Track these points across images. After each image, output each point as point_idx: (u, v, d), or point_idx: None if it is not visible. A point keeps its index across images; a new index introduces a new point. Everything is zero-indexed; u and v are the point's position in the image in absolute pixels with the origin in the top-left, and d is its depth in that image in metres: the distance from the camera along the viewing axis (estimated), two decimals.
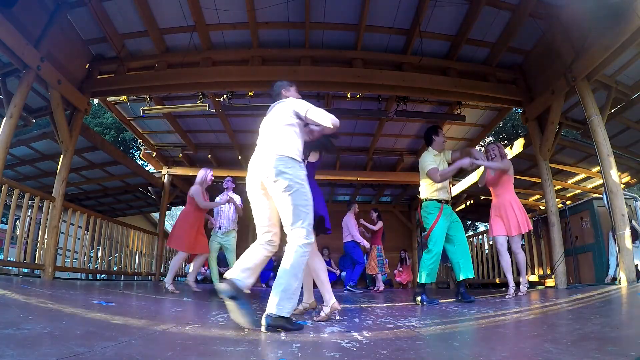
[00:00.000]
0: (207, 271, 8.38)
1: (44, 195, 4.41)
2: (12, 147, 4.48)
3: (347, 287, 6.39)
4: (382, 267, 6.64)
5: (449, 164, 3.58)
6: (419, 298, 3.31)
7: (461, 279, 3.43)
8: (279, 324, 1.75)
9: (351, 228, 6.42)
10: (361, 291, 6.26)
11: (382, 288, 6.57)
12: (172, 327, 1.74)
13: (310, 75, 4.94)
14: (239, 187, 4.77)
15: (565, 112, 4.95)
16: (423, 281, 3.35)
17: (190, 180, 8.79)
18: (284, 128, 2.11)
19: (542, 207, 6.69)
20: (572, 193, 7.78)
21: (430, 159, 3.47)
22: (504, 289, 5.12)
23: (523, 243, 5.72)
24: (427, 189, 3.52)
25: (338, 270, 8.73)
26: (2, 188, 3.69)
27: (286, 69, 4.92)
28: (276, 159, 1.99)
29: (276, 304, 1.78)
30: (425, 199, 3.52)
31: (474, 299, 3.34)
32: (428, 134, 3.65)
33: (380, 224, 6.75)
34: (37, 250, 4.49)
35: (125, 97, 5.75)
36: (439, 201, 3.44)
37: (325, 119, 2.08)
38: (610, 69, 4.11)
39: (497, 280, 6.17)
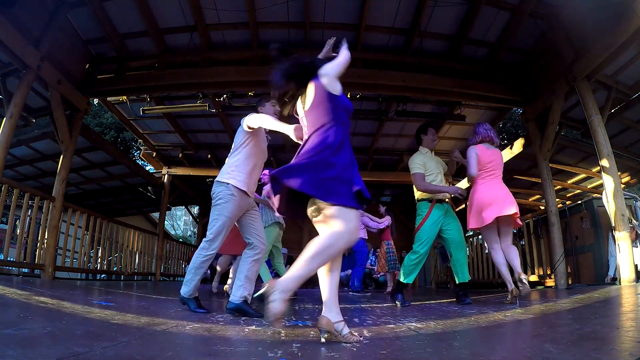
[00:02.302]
0: (208, 272, 8.37)
1: (44, 196, 4.41)
2: (12, 147, 4.49)
3: (353, 292, 5.93)
4: (394, 264, 6.26)
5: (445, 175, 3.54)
6: (395, 298, 3.23)
7: (457, 282, 3.36)
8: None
9: (364, 220, 5.91)
10: (369, 293, 5.91)
11: (390, 289, 6.41)
12: (172, 327, 1.74)
13: None
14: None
15: (565, 112, 4.95)
16: (402, 280, 3.24)
17: (190, 180, 8.83)
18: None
19: (542, 207, 6.70)
20: (572, 193, 7.78)
21: (419, 162, 3.35)
22: (502, 289, 5.12)
23: (523, 243, 5.73)
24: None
25: None
26: (2, 188, 3.69)
27: None
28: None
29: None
30: (417, 199, 3.41)
31: (470, 301, 3.18)
32: (417, 134, 3.58)
33: (388, 219, 6.22)
34: (37, 250, 4.49)
35: (125, 97, 5.75)
36: (430, 201, 3.31)
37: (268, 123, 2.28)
38: (610, 69, 4.12)
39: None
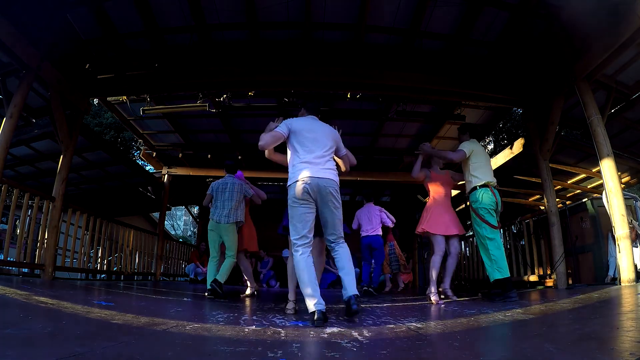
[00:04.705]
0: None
1: (44, 195, 4.41)
2: (12, 147, 4.48)
3: (368, 288, 5.43)
4: (397, 265, 6.48)
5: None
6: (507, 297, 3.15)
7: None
8: None
9: (382, 216, 5.77)
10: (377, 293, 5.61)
11: (388, 288, 6.47)
12: (172, 327, 1.74)
13: (311, 75, 4.94)
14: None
15: (565, 112, 4.94)
16: (501, 277, 3.24)
17: (190, 180, 8.81)
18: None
19: (542, 207, 6.69)
20: (572, 193, 7.78)
21: None
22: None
23: (523, 243, 5.73)
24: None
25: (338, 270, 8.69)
26: (2, 188, 3.69)
27: (286, 69, 4.92)
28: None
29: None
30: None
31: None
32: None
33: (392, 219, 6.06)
34: (37, 250, 4.49)
35: (125, 97, 5.74)
36: None
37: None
38: (610, 69, 4.11)
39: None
